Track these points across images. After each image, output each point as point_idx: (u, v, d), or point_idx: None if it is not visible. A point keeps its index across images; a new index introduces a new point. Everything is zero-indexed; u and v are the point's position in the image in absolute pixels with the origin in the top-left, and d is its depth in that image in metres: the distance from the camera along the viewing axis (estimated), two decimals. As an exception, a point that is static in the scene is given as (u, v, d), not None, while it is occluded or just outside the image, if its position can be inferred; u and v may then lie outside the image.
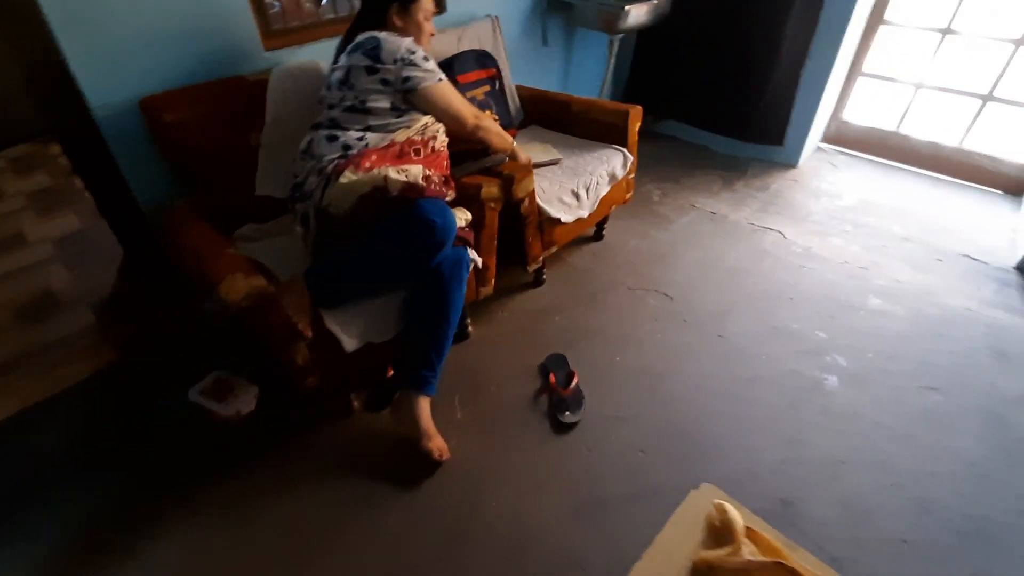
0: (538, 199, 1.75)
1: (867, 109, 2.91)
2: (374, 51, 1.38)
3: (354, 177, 1.32)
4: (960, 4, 2.42)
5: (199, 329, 1.62)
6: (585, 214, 1.95)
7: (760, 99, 2.74)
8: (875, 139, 2.90)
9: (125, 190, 1.57)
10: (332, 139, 1.40)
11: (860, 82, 2.84)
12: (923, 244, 2.27)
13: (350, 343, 1.35)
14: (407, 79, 1.39)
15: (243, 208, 1.62)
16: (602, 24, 2.45)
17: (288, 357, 1.26)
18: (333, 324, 1.33)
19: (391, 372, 1.60)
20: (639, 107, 2.07)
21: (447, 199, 1.46)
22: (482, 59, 2.02)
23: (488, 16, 2.19)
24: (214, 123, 1.52)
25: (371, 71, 1.38)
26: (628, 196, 2.22)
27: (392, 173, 1.34)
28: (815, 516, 1.28)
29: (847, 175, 2.79)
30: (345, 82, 1.40)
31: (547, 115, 2.28)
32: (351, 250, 1.35)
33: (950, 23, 2.48)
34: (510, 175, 1.63)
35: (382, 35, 1.39)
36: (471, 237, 1.55)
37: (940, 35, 2.51)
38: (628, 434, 1.49)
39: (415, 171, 1.40)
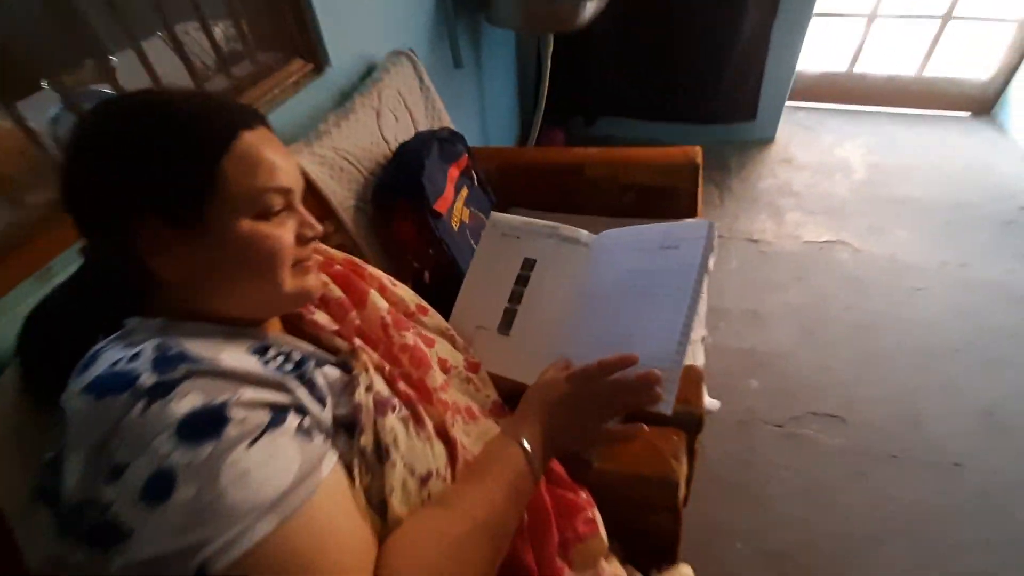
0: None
1: (814, 53, 2.50)
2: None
3: None
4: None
5: None
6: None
7: (725, 69, 2.14)
8: (828, 85, 2.52)
9: None
10: None
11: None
12: (978, 209, 1.92)
13: None
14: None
15: None
16: (548, 23, 1.59)
17: None
18: None
19: None
20: (697, 148, 1.29)
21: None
22: (447, 146, 1.04)
23: (399, 53, 1.18)
24: None
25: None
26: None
27: None
28: None
29: (829, 138, 2.37)
30: None
31: (535, 188, 1.38)
32: None
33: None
34: (690, 413, 0.76)
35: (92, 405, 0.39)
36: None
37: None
38: None
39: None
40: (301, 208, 0.52)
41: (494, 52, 1.96)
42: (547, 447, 0.57)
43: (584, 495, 0.66)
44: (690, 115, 2.34)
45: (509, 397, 0.72)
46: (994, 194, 1.97)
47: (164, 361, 0.40)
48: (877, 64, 2.43)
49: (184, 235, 0.44)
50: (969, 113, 2.41)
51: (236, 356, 0.45)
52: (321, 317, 0.59)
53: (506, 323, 0.71)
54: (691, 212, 1.31)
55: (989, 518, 1.12)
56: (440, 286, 0.95)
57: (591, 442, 0.58)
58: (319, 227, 0.53)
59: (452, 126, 1.28)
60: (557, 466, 0.68)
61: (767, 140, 2.38)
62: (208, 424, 0.38)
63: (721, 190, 2.14)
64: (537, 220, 0.77)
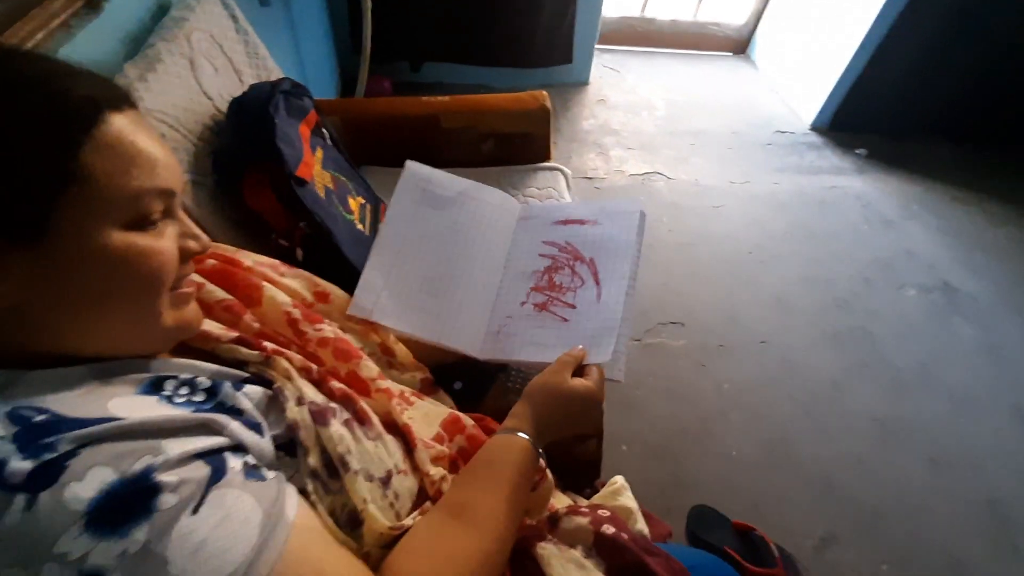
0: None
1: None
2: None
3: None
4: None
5: None
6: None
7: (541, 13, 2.20)
8: (626, 28, 2.76)
9: None
10: None
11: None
12: (746, 135, 2.34)
13: None
14: None
15: None
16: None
17: None
18: None
19: None
20: (544, 92, 1.33)
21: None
22: (293, 101, 0.89)
23: (199, -15, 0.96)
24: None
25: None
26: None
27: None
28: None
29: (632, 78, 2.62)
30: None
31: (386, 144, 1.29)
32: None
33: None
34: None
35: None
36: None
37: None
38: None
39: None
40: (182, 215, 0.41)
41: (300, -13, 1.71)
42: (542, 438, 0.54)
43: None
44: (513, 59, 2.37)
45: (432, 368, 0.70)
46: (755, 122, 2.41)
47: (31, 433, 0.30)
48: (662, 9, 2.72)
49: (27, 251, 0.32)
50: (730, 53, 2.87)
51: (129, 403, 0.35)
52: (210, 326, 0.48)
53: (433, 288, 0.67)
54: (544, 156, 1.36)
55: (790, 380, 1.45)
56: (315, 263, 0.85)
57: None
58: (205, 238, 0.43)
59: (282, 74, 1.11)
60: (490, 422, 0.69)
61: (583, 83, 2.54)
62: (132, 502, 0.30)
63: (551, 132, 2.25)
64: (458, 177, 0.74)
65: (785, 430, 1.35)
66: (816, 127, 2.38)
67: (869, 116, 2.31)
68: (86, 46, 0.78)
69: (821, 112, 2.33)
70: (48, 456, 0.29)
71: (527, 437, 0.51)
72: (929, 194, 2.12)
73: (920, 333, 1.61)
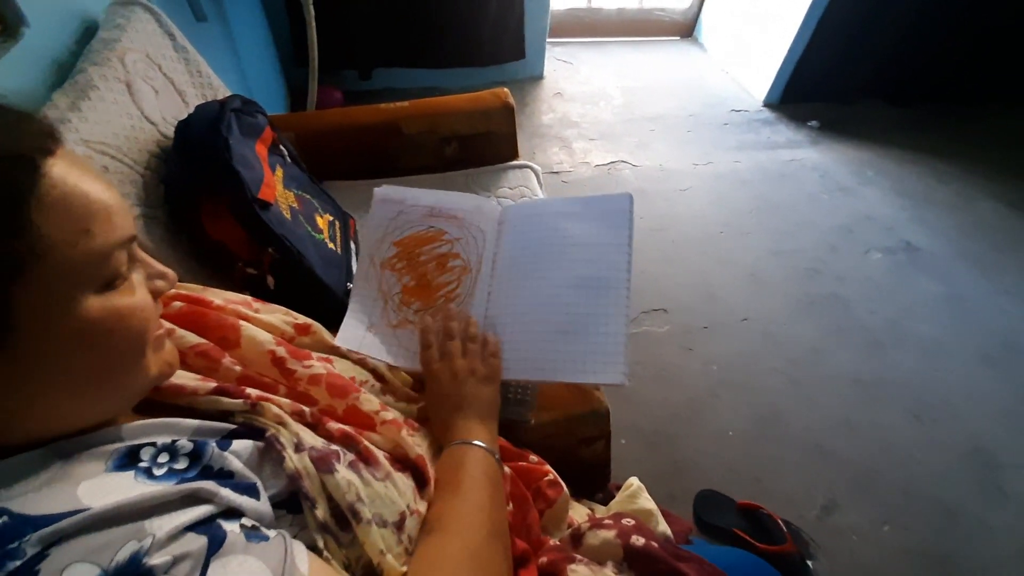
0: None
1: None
2: None
3: None
4: None
5: None
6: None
7: (488, 10, 2.17)
8: (574, 20, 2.76)
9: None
10: None
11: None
12: (703, 116, 2.37)
13: None
14: None
15: None
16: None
17: None
18: None
19: None
20: (505, 89, 1.29)
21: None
22: (246, 119, 0.84)
23: (129, 3, 0.89)
24: None
25: None
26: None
27: None
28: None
29: (585, 69, 2.62)
30: None
31: (345, 156, 1.24)
32: None
33: None
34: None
35: None
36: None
37: None
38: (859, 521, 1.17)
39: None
40: (142, 254, 0.37)
41: (238, 2, 1.63)
42: (488, 428, 0.54)
43: (534, 457, 0.66)
44: (464, 59, 2.33)
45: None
46: (710, 102, 2.44)
47: None
48: (607, -1, 2.73)
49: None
50: (678, 37, 2.90)
51: (101, 485, 0.31)
52: (184, 378, 0.43)
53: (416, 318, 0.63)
54: (512, 154, 1.33)
55: (773, 353, 1.47)
56: (289, 290, 0.80)
57: (495, 391, 0.58)
58: (171, 272, 0.39)
59: (228, 93, 1.04)
60: (500, 440, 0.66)
61: (537, 77, 2.52)
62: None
63: (512, 129, 2.22)
64: (429, 191, 0.69)
65: (775, 403, 1.36)
66: (768, 103, 2.43)
67: (817, 87, 2.37)
68: (5, 77, 0.71)
69: (772, 88, 2.38)
70: (13, 565, 0.25)
71: (480, 444, 0.52)
72: (880, 159, 2.19)
73: (887, 293, 1.66)
